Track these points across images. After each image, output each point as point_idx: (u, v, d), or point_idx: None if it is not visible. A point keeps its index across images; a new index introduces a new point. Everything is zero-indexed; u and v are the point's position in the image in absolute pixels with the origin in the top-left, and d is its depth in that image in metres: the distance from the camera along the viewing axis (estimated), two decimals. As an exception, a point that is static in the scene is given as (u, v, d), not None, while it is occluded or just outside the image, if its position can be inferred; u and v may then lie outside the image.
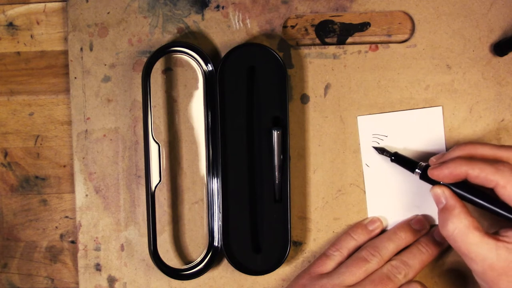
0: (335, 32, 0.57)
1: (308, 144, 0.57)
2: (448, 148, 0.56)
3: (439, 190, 0.50)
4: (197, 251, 0.57)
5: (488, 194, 0.50)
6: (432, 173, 0.50)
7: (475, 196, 0.50)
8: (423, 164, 0.53)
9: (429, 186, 0.53)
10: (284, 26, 0.57)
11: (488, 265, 0.47)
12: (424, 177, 0.52)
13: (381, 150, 0.55)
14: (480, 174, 0.48)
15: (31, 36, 0.58)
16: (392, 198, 0.56)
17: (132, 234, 0.57)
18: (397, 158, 0.55)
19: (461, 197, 0.50)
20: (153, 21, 0.56)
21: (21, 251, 0.59)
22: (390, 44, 0.56)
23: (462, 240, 0.48)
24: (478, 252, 0.47)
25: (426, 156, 0.56)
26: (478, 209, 0.51)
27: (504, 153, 0.49)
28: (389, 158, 0.55)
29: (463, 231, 0.48)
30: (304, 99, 0.56)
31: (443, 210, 0.50)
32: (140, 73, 0.56)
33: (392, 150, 0.55)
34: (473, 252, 0.47)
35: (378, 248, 0.53)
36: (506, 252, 0.47)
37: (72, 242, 0.59)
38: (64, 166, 0.59)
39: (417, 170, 0.53)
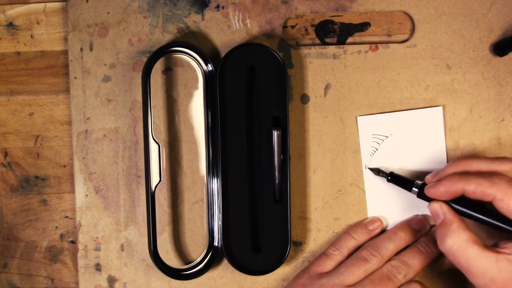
0: (335, 32, 0.57)
1: (308, 144, 0.57)
2: (448, 149, 0.56)
3: (436, 205, 0.50)
4: (197, 251, 0.57)
5: (486, 207, 0.50)
6: (429, 192, 0.50)
7: (473, 211, 0.50)
8: (419, 182, 0.53)
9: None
10: (284, 26, 0.57)
11: (489, 279, 0.47)
12: (422, 195, 0.52)
13: (377, 171, 0.56)
14: (477, 189, 0.48)
15: (31, 36, 0.58)
16: (392, 198, 0.56)
17: (132, 234, 0.57)
18: (393, 178, 0.55)
19: (460, 212, 0.50)
20: (153, 21, 0.56)
21: (21, 251, 0.59)
22: (390, 44, 0.56)
23: (462, 255, 0.48)
24: (479, 266, 0.47)
25: (428, 157, 0.56)
26: (474, 223, 0.51)
27: (498, 166, 0.49)
28: (385, 179, 0.55)
29: (462, 246, 0.48)
30: (304, 99, 0.56)
31: (441, 226, 0.49)
32: (140, 73, 0.56)
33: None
34: (474, 267, 0.47)
35: (378, 248, 0.53)
36: (507, 264, 0.47)
37: (72, 242, 0.59)
38: (64, 166, 0.59)
39: (414, 189, 0.53)
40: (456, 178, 0.49)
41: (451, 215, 0.49)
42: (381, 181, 0.56)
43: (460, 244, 0.48)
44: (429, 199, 0.51)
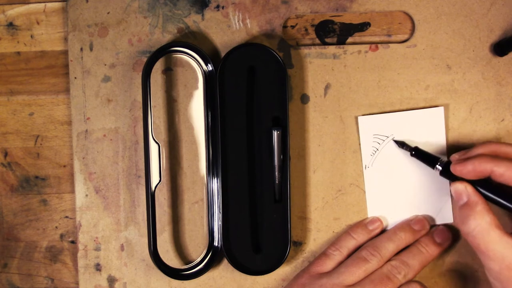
0: (335, 32, 0.57)
1: (308, 144, 0.57)
2: (449, 149, 0.56)
3: (461, 186, 0.49)
4: (197, 251, 0.57)
5: (510, 193, 0.49)
6: (455, 169, 0.50)
7: (497, 195, 0.49)
8: (444, 160, 0.52)
9: (428, 185, 0.53)
10: (284, 26, 0.57)
11: (506, 265, 0.47)
12: (445, 173, 0.51)
13: (402, 144, 0.55)
14: (506, 172, 0.47)
15: (31, 36, 0.58)
16: (392, 198, 0.56)
17: (132, 234, 0.57)
18: (418, 153, 0.54)
19: (483, 195, 0.49)
20: (153, 21, 0.56)
21: (21, 251, 0.59)
22: (390, 44, 0.56)
23: (483, 238, 0.47)
24: (498, 251, 0.47)
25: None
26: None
27: None
28: (408, 153, 0.54)
29: (485, 228, 0.47)
30: (304, 99, 0.56)
31: (465, 207, 0.49)
32: (140, 73, 0.56)
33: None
34: (492, 250, 0.47)
35: (378, 248, 0.53)
36: None
37: (72, 242, 0.59)
38: (64, 166, 0.59)
39: (437, 165, 0.52)
40: (486, 158, 0.48)
41: (476, 197, 0.49)
42: (381, 181, 0.56)
43: (483, 227, 0.47)
44: (452, 178, 0.51)
